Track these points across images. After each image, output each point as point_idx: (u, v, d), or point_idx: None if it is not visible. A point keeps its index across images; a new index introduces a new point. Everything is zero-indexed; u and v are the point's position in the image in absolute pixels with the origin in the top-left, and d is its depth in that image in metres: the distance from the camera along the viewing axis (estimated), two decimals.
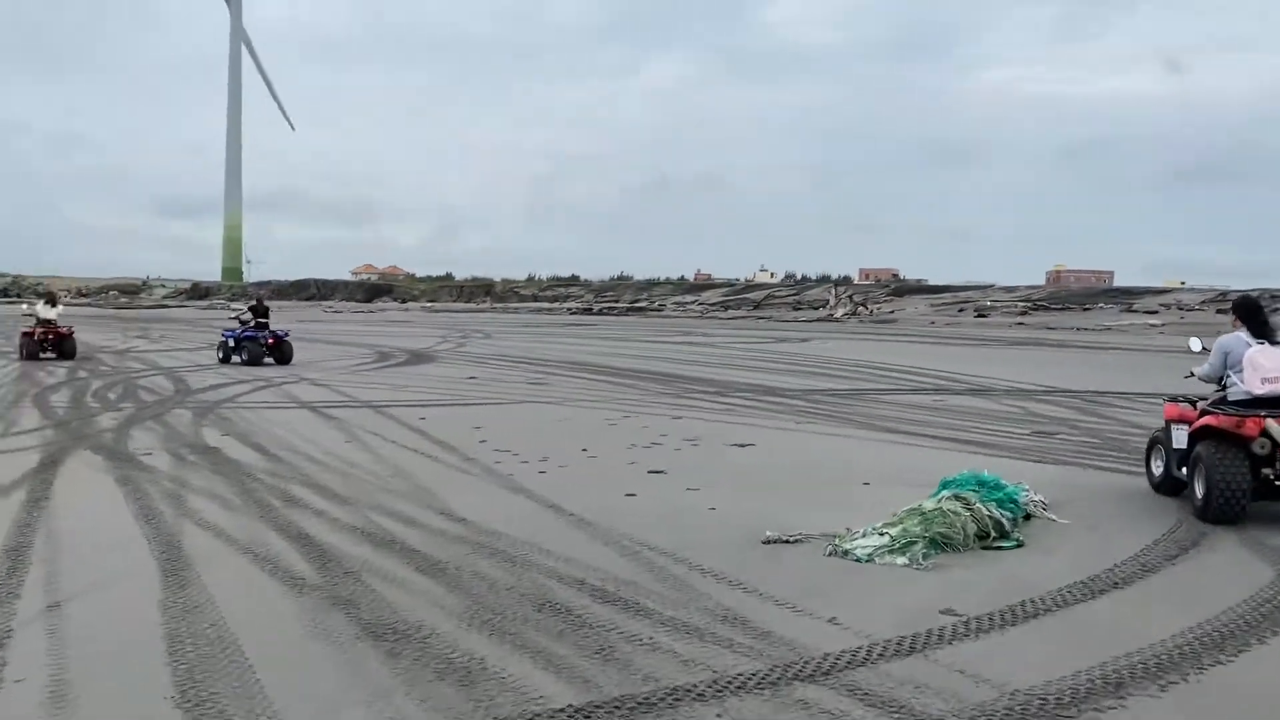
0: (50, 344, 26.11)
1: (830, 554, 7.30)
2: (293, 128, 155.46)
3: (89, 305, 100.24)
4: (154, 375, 22.62)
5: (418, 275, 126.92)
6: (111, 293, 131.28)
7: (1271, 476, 7.92)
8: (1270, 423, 7.84)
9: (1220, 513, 7.88)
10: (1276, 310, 32.98)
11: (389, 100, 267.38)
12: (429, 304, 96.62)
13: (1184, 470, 8.57)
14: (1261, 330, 8.36)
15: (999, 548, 7.51)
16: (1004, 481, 8.30)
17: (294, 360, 25.89)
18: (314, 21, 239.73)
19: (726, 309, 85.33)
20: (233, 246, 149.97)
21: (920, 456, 12.11)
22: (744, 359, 30.04)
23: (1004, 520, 7.72)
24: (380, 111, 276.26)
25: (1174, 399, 9.24)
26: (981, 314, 69.49)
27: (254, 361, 24.85)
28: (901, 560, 7.07)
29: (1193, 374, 9.16)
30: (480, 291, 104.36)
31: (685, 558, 7.04)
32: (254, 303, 28.02)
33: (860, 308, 74.68)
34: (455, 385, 20.91)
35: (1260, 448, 7.85)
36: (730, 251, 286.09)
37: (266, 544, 7.43)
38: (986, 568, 7.06)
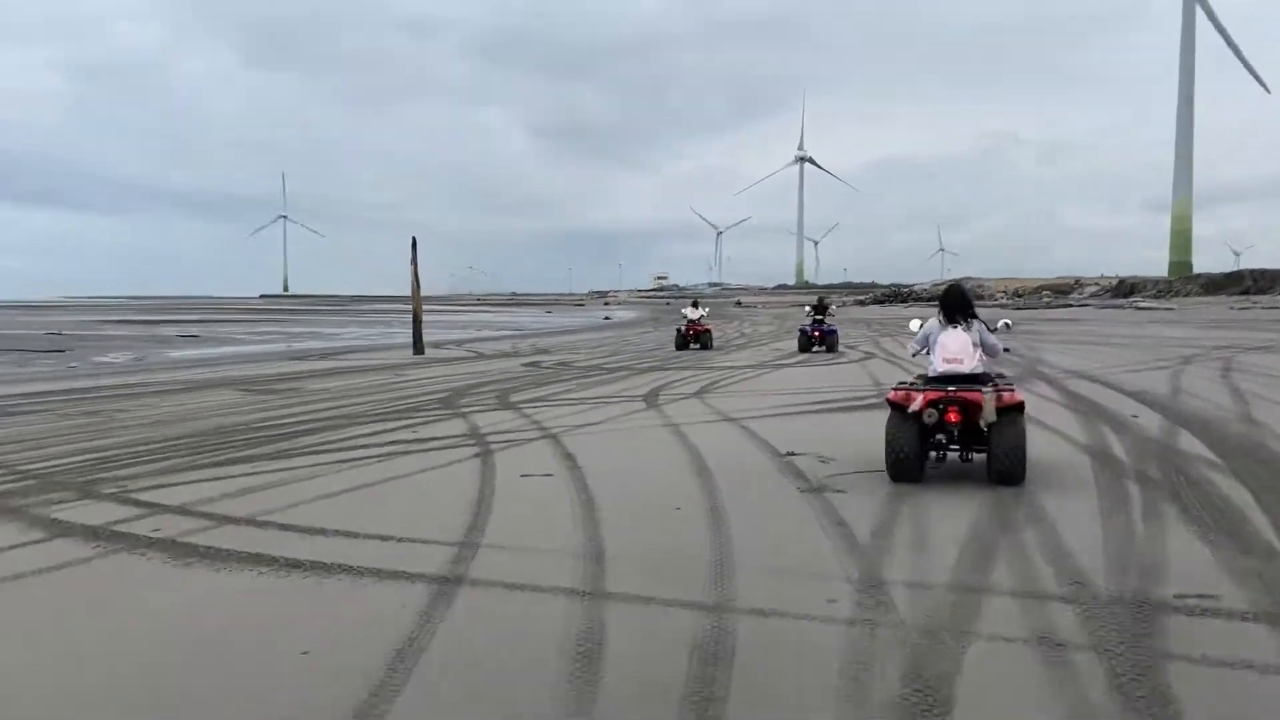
0: (694, 336, 30.52)
1: None
2: (1267, 90, 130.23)
3: (1006, 307, 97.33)
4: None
5: None
6: (1044, 293, 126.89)
7: (945, 441, 8.49)
8: (919, 397, 8.31)
9: (896, 472, 8.36)
10: None
11: None
12: None
13: None
14: (951, 316, 8.79)
15: None
16: None
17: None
18: None
19: None
20: (1180, 239, 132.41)
21: None
22: None
23: None
24: None
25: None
26: None
27: (801, 348, 28.01)
28: None
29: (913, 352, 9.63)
30: None
31: None
32: (816, 300, 30.77)
33: None
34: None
35: (928, 418, 8.26)
36: None
37: None
38: None
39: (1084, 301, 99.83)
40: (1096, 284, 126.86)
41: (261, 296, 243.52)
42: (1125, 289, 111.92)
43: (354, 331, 56.89)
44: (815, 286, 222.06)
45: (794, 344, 29.44)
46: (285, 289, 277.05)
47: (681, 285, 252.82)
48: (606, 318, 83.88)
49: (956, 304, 8.83)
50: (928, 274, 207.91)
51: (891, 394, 8.67)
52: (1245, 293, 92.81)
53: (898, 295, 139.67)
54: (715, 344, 31.26)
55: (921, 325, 9.38)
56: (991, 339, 8.78)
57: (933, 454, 8.53)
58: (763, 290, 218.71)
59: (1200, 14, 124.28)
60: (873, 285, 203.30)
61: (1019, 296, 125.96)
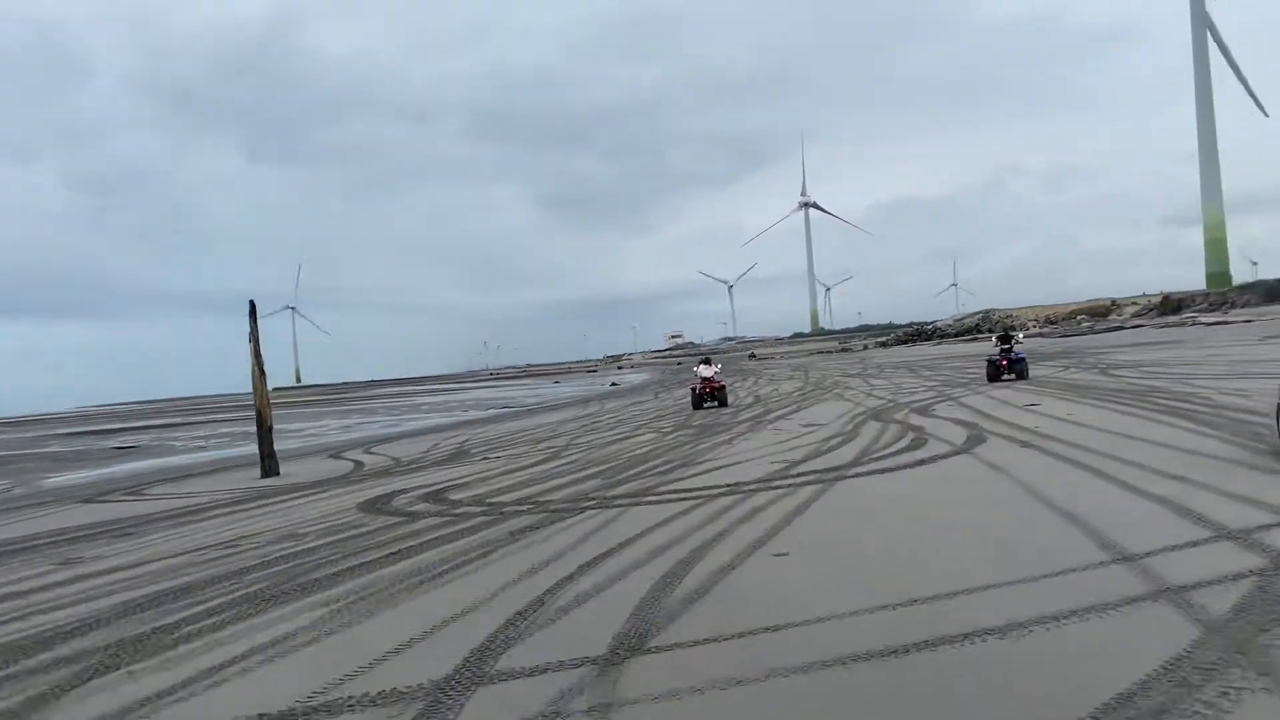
0: (709, 394, 29.49)
1: None
2: (1265, 113, 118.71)
3: (1038, 335, 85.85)
4: None
5: None
6: (1079, 318, 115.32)
7: None
8: None
9: None
10: None
11: None
12: None
13: None
14: None
15: None
16: None
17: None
18: None
19: None
20: (1215, 249, 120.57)
21: None
22: None
23: None
24: None
25: None
26: None
27: (989, 378, 27.78)
28: None
29: None
30: None
31: None
32: (1002, 331, 31.12)
33: None
34: None
35: None
36: None
37: None
38: None
39: (1134, 323, 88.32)
40: (1135, 303, 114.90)
41: (274, 390, 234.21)
42: (1172, 305, 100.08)
43: (328, 424, 49.21)
44: (831, 332, 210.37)
45: (835, 414, 23.82)
46: (298, 380, 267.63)
47: (696, 342, 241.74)
48: (613, 384, 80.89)
49: None
50: (942, 310, 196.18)
51: None
52: None
53: (921, 334, 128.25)
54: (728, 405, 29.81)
55: None
56: None
57: None
58: (779, 340, 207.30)
59: (1209, 38, 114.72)
60: (890, 326, 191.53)
61: (1052, 324, 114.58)
